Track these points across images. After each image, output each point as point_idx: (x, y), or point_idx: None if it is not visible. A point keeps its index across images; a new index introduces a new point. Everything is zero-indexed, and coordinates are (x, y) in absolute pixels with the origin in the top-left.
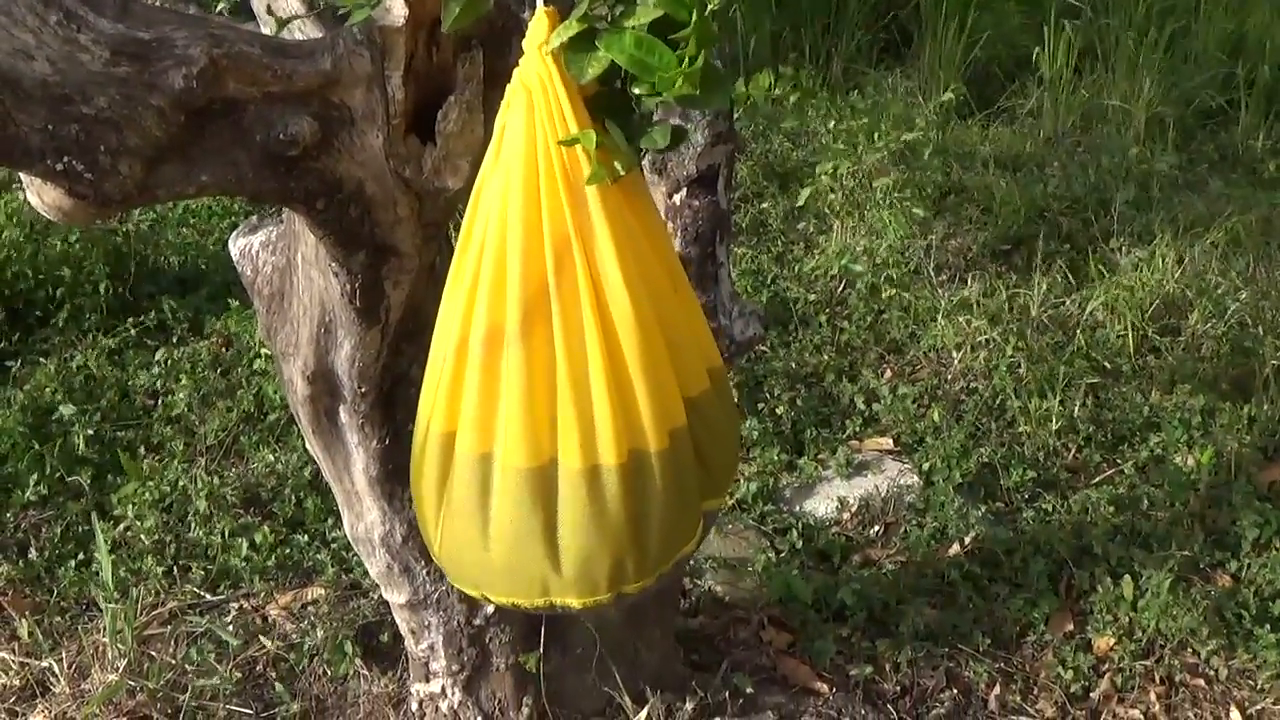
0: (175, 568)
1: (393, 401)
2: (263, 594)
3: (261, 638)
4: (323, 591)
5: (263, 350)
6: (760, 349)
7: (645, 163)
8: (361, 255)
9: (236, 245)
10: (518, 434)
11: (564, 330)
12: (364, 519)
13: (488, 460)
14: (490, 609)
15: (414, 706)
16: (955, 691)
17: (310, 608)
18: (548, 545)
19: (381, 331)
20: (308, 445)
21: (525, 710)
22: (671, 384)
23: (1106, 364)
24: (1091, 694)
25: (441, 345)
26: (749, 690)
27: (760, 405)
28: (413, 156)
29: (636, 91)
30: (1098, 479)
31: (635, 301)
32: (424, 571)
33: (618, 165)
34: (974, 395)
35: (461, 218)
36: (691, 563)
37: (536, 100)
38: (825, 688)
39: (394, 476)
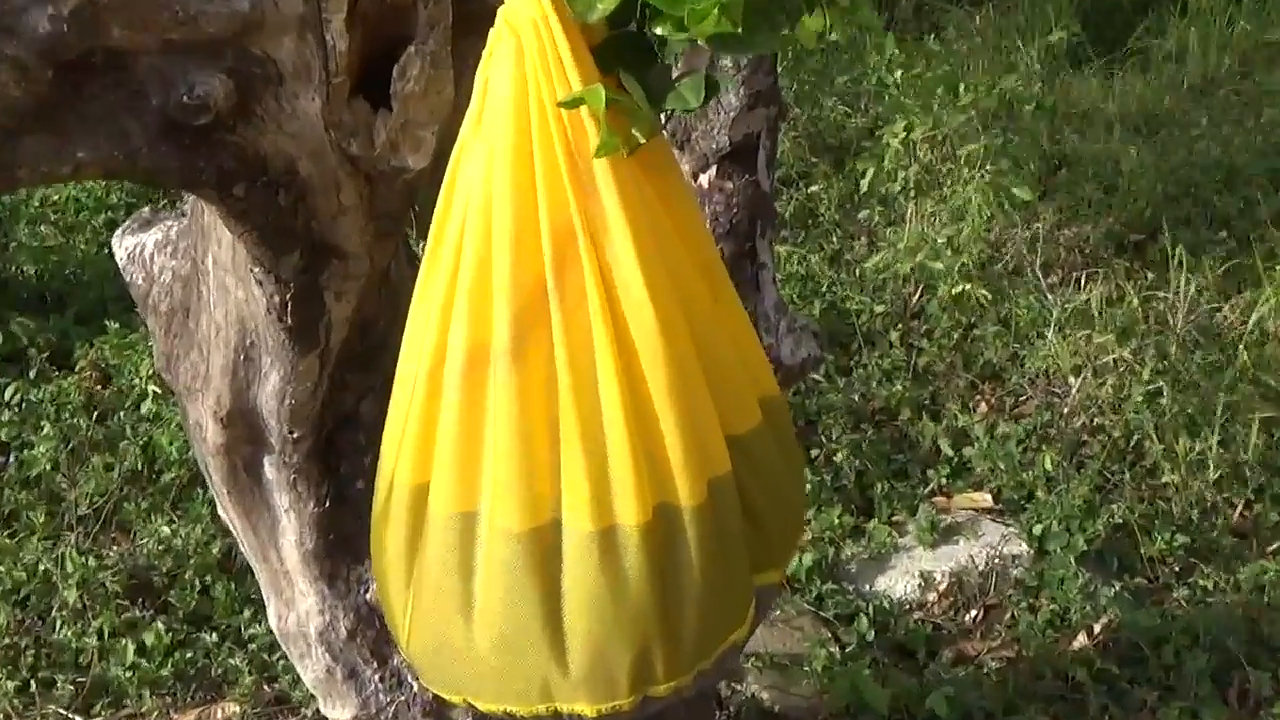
0: (34, 681)
1: (335, 450)
2: (155, 715)
3: None
4: (238, 709)
5: (154, 387)
6: (815, 377)
7: (664, 132)
8: (294, 257)
9: (123, 246)
10: (510, 487)
11: (568, 349)
12: (296, 608)
13: (471, 521)
14: None
15: None
16: None
17: None
18: (550, 632)
19: (320, 358)
20: (220, 511)
21: None
22: (711, 418)
23: None
24: None
25: (409, 373)
26: None
27: (815, 452)
28: (360, 126)
29: (658, 32)
30: (1276, 545)
31: (661, 310)
32: (375, 677)
33: (635, 132)
34: (1100, 435)
35: (429, 208)
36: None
37: (528, 47)
38: None
39: (336, 550)
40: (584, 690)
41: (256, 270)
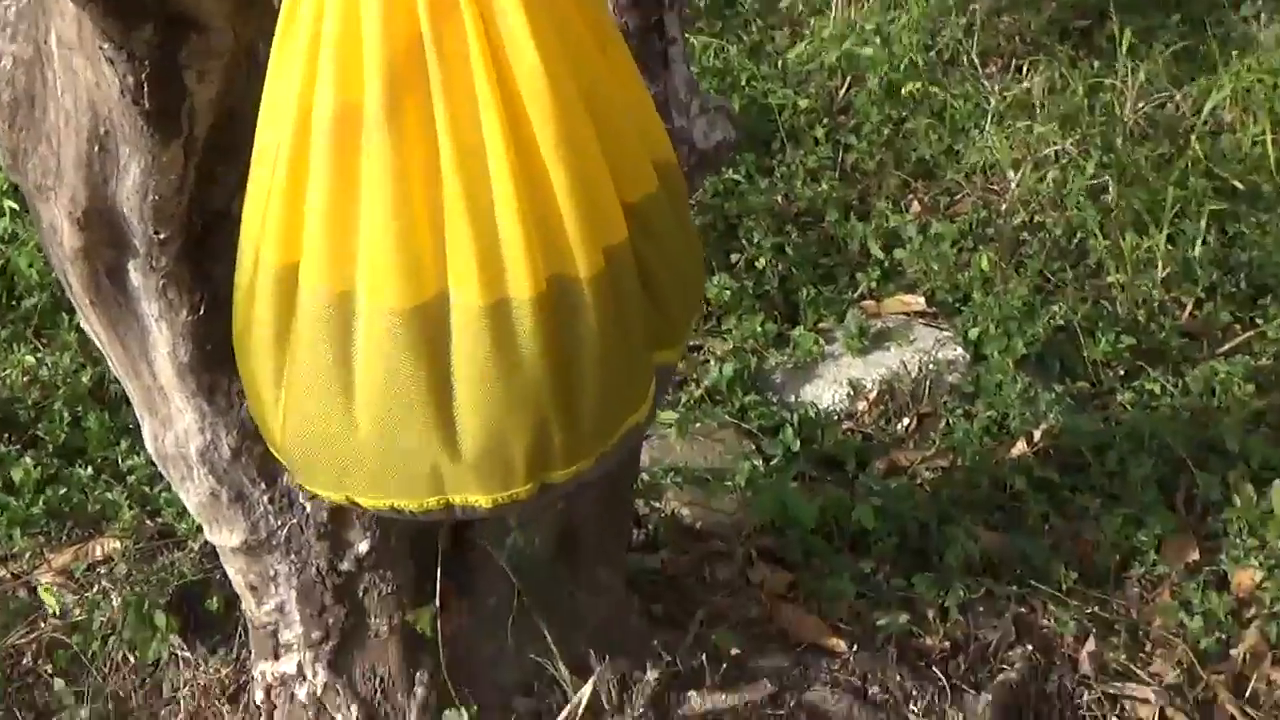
0: None
1: (208, 251)
2: (28, 554)
3: (29, 618)
4: (118, 545)
5: (9, 203)
6: (734, 177)
7: None
8: (146, 30)
9: None
10: (389, 261)
11: (449, 108)
12: (173, 427)
13: (348, 301)
14: (363, 546)
15: (258, 696)
16: (1029, 648)
17: (100, 569)
18: (438, 415)
19: (185, 147)
20: (84, 325)
21: (420, 692)
22: (606, 183)
23: (1237, 183)
24: (1232, 651)
25: (270, 143)
26: (735, 651)
27: (735, 257)
28: None
29: None
30: (1226, 346)
31: (550, 65)
32: (264, 498)
33: None
34: (1040, 233)
35: None
36: (645, 476)
37: None
38: (842, 644)
39: (215, 361)
40: (477, 478)
41: (106, 47)
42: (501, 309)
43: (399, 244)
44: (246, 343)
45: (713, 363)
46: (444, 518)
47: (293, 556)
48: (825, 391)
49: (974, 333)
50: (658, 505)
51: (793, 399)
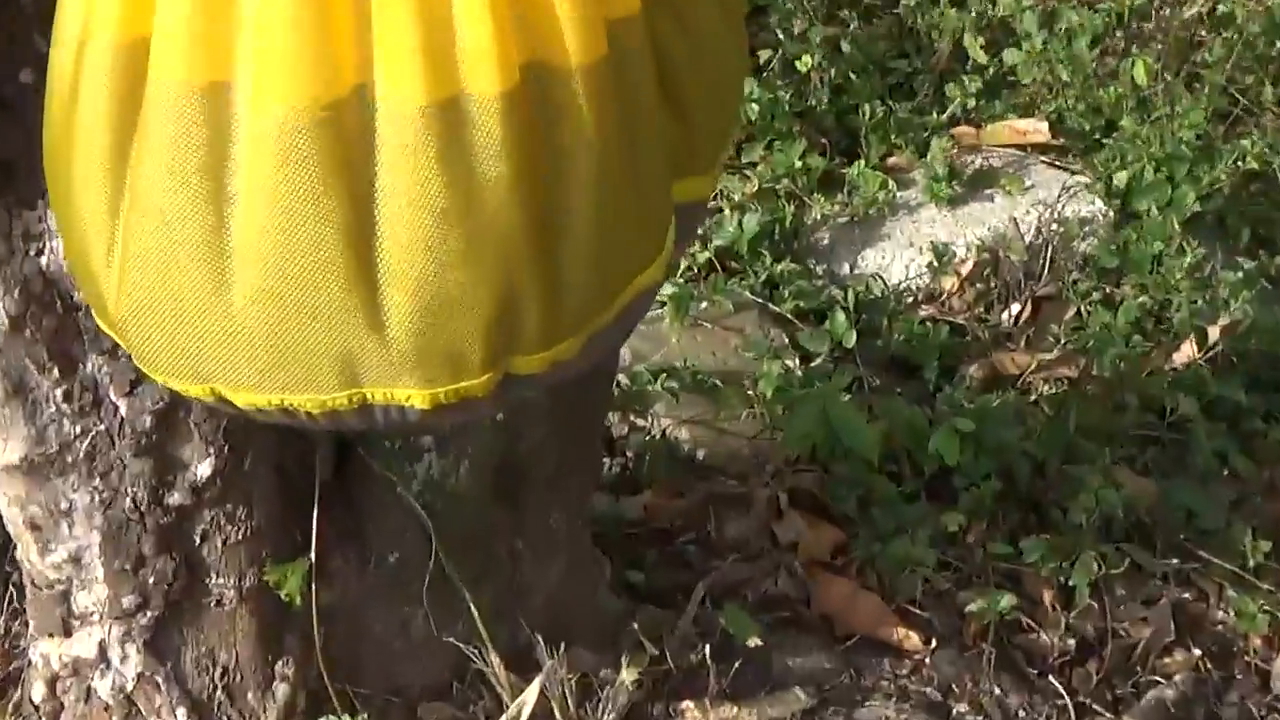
0: None
1: None
2: None
3: None
4: None
5: None
6: None
7: None
8: None
9: None
10: (285, 38)
11: None
12: None
13: (222, 98)
14: (203, 469)
15: (37, 692)
16: (1195, 652)
17: None
18: (357, 272)
19: None
20: None
21: (282, 690)
22: None
23: None
24: None
25: None
26: (753, 643)
27: (765, 55)
28: None
29: None
30: None
31: None
32: (58, 392)
33: None
34: (1227, 30)
35: None
36: (624, 379)
37: None
38: (915, 638)
39: None
40: (412, 363)
41: None
42: (452, 111)
43: (301, 10)
44: (63, 162)
45: (728, 213)
46: (356, 424)
47: (97, 481)
48: (895, 260)
49: (1121, 178)
50: (642, 424)
51: (846, 270)
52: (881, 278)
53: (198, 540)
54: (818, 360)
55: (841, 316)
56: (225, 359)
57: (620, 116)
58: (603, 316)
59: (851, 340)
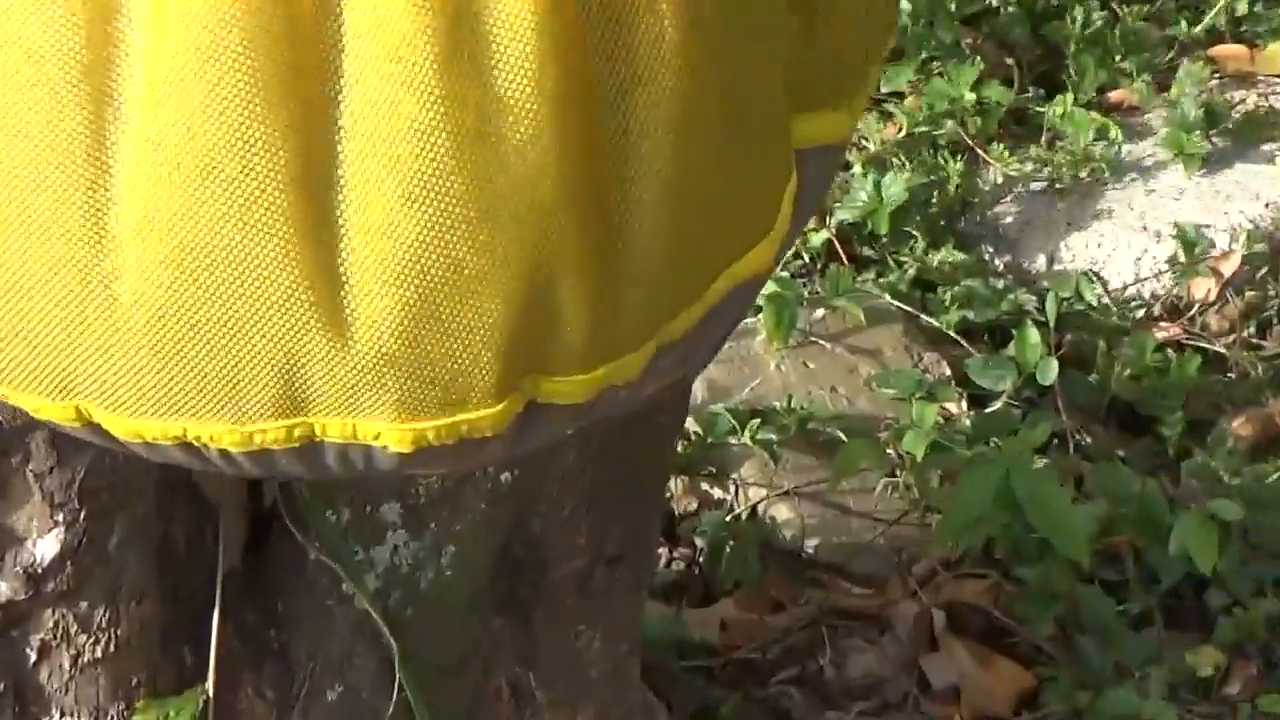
0: None
1: None
2: None
3: None
4: None
5: None
6: None
7: None
8: None
9: None
10: None
11: None
12: None
13: None
14: (46, 546)
15: None
16: None
17: None
18: (305, 231)
19: None
20: None
21: None
22: None
23: None
24: None
25: None
26: None
27: None
28: None
29: None
30: None
31: None
32: None
33: None
34: None
35: None
36: (695, 427)
37: None
38: None
39: None
40: (386, 384)
41: None
42: (468, 27)
43: None
44: None
45: (858, 170)
46: (295, 471)
47: None
48: (1118, 250)
49: None
50: (720, 496)
51: (1040, 264)
52: (1097, 277)
53: (32, 657)
54: (996, 404)
55: (1034, 336)
56: (100, 361)
57: (716, 21)
58: (678, 321)
59: (1050, 374)
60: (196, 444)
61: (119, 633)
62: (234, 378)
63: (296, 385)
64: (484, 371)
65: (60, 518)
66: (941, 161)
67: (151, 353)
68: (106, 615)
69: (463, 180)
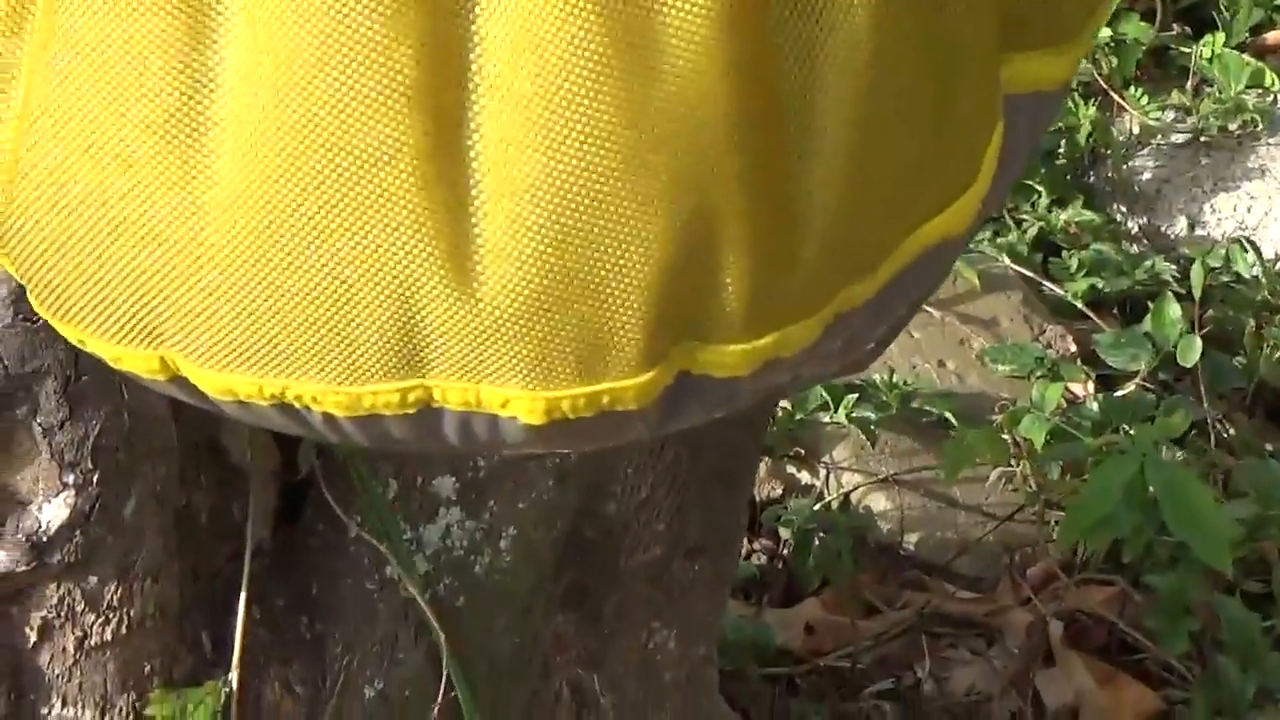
0: None
1: None
2: None
3: None
4: None
5: None
6: None
7: None
8: None
9: None
10: None
11: None
12: None
13: None
14: (53, 512)
15: None
16: None
17: None
18: (432, 165)
19: None
20: None
21: None
22: None
23: None
24: None
25: None
26: None
27: None
28: None
29: None
30: None
31: None
32: None
33: None
34: None
35: None
36: (785, 403)
37: None
38: None
39: None
40: (519, 345)
41: None
42: None
43: None
44: None
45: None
46: (407, 440)
47: None
48: (1269, 211)
49: None
50: (808, 482)
51: (1182, 227)
52: (1249, 244)
53: (32, 638)
54: (1128, 387)
55: (1173, 310)
56: (194, 307)
57: None
58: (857, 287)
59: (1191, 355)
60: (297, 405)
61: (131, 613)
62: (342, 330)
63: (414, 342)
64: (631, 334)
65: (70, 479)
66: (1070, 106)
67: (255, 300)
68: (118, 593)
69: (614, 105)
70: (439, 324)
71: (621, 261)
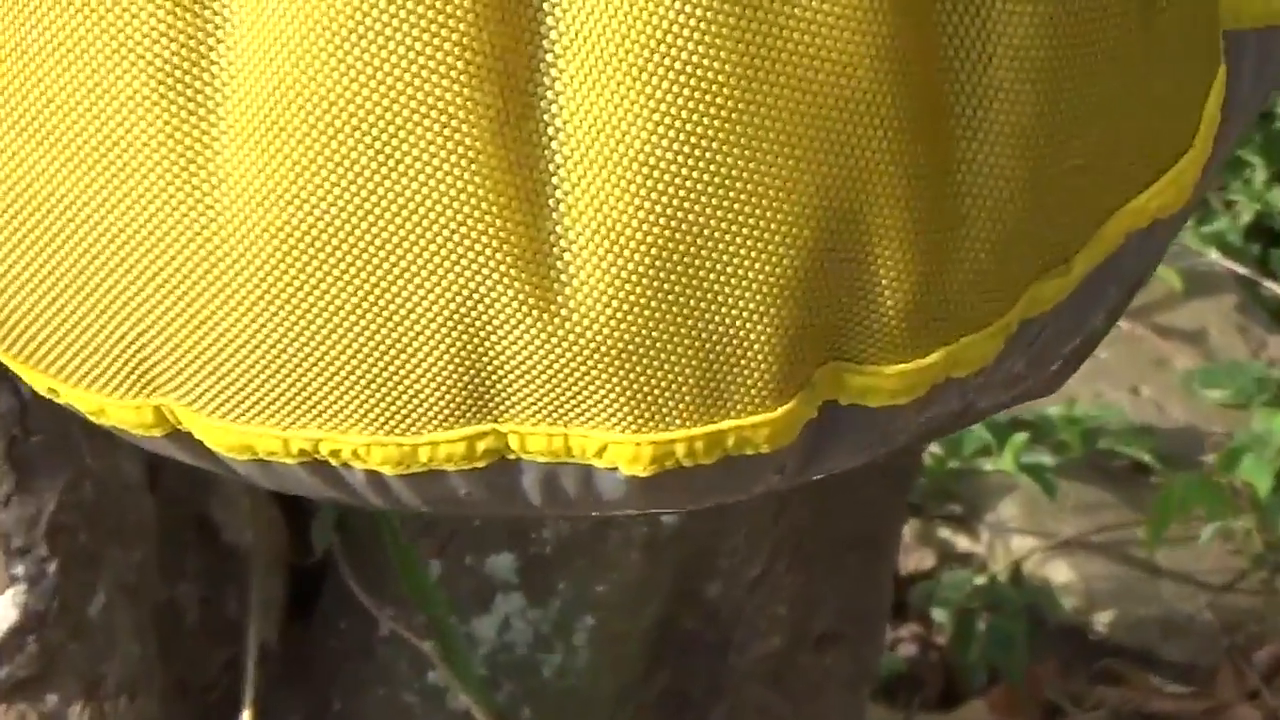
0: None
1: None
2: None
3: None
4: None
5: None
6: None
7: None
8: None
9: None
10: None
11: None
12: None
13: None
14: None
15: None
16: None
17: None
18: (505, 146)
19: None
20: None
21: None
22: None
23: None
24: None
25: None
26: None
27: None
28: None
29: None
30: None
31: None
32: None
33: None
34: None
35: None
36: (935, 449)
37: None
38: None
39: None
40: (620, 377)
41: None
42: None
43: None
44: None
45: None
46: (476, 503)
47: None
48: None
49: None
50: (967, 547)
51: None
52: None
53: None
54: None
55: None
56: (200, 344)
57: None
58: (1046, 284)
59: None
60: (334, 463)
61: None
62: (392, 365)
63: (483, 377)
64: (762, 356)
65: (20, 570)
66: None
67: (271, 327)
68: (85, 716)
69: (736, 60)
70: (514, 352)
71: (749, 261)
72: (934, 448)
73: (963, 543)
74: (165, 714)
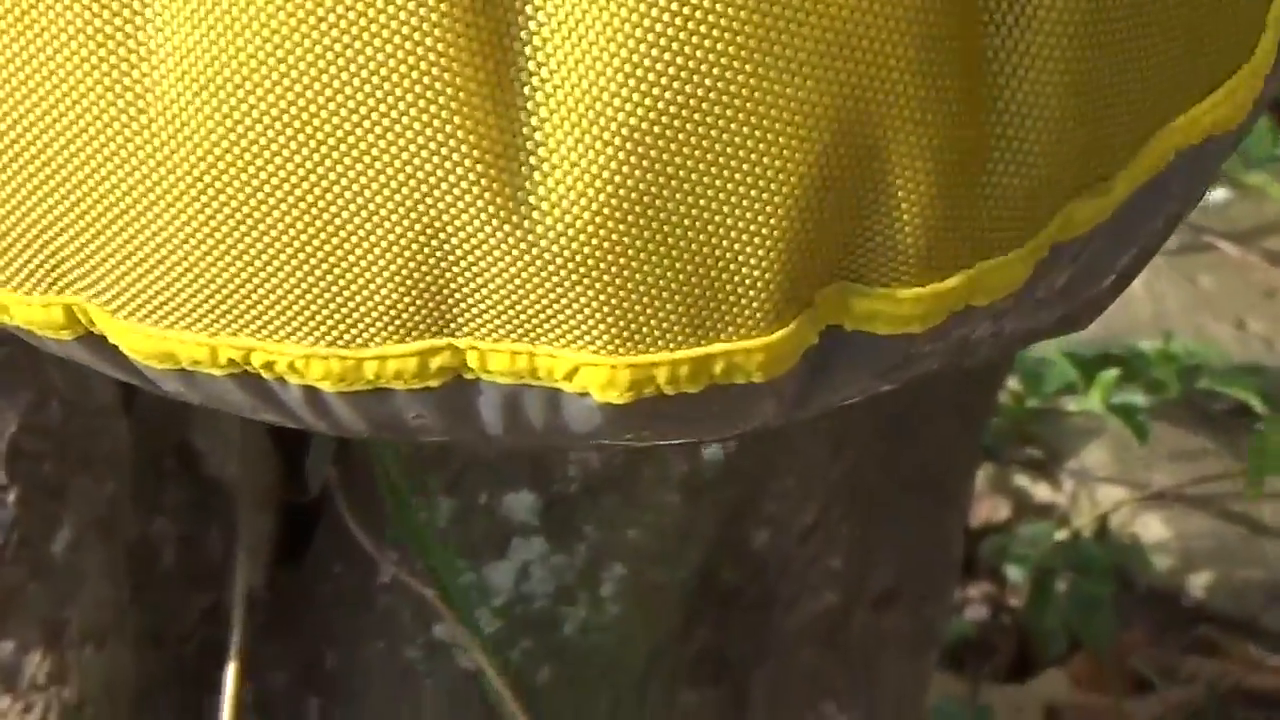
0: None
1: None
2: None
3: None
4: None
5: None
6: None
7: None
8: None
9: None
10: None
11: None
12: None
13: None
14: None
15: None
16: None
17: None
18: (476, 36)
19: None
20: None
21: None
22: None
23: None
24: None
25: None
26: None
27: None
28: None
29: None
30: None
31: None
32: None
33: None
34: None
35: None
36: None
37: None
38: None
39: None
40: (594, 288)
41: None
42: None
43: None
44: None
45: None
46: (428, 426)
47: None
48: None
49: None
50: (1046, 498)
51: None
52: None
53: None
54: None
55: None
56: (118, 234)
57: None
58: (1083, 205)
59: None
60: (267, 376)
61: (65, 694)
62: (335, 267)
63: (440, 287)
64: (758, 272)
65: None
66: None
67: (200, 219)
68: (45, 665)
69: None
70: (476, 258)
71: (746, 166)
72: (1011, 383)
73: (1042, 492)
74: (139, 665)
